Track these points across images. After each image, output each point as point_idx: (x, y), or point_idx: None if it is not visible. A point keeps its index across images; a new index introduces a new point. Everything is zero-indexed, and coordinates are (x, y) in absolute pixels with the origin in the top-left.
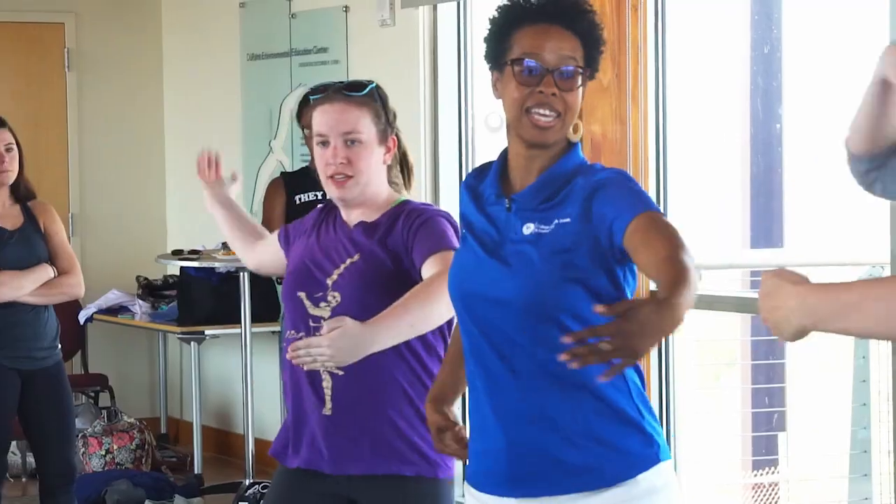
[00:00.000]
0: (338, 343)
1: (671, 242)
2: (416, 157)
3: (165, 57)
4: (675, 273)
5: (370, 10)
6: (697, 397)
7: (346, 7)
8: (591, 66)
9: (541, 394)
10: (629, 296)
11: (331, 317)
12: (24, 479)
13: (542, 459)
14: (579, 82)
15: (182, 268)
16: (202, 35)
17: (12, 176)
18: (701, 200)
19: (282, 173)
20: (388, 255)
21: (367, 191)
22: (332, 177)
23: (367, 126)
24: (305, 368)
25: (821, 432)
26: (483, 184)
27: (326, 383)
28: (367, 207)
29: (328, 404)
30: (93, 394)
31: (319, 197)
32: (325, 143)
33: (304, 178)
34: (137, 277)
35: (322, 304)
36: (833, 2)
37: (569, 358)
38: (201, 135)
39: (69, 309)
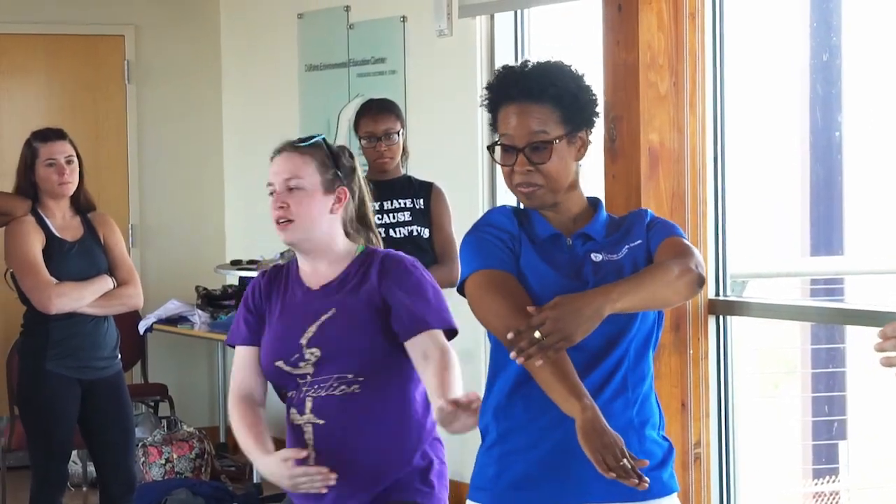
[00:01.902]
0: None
1: (675, 251)
2: (473, 167)
3: (224, 68)
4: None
5: (428, 20)
6: (757, 406)
7: (403, 17)
8: (574, 124)
9: None
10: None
11: (314, 371)
12: (84, 489)
13: None
14: (551, 153)
15: (241, 277)
16: (261, 46)
17: (72, 188)
18: (760, 209)
19: None
20: (363, 303)
21: (314, 237)
22: (276, 222)
23: (309, 173)
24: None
25: (882, 440)
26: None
27: (308, 434)
28: (326, 258)
29: (312, 454)
30: (153, 403)
31: (376, 208)
32: (272, 193)
33: None
34: (196, 287)
35: (301, 364)
36: (893, 9)
37: (515, 356)
38: (260, 145)
39: (129, 319)
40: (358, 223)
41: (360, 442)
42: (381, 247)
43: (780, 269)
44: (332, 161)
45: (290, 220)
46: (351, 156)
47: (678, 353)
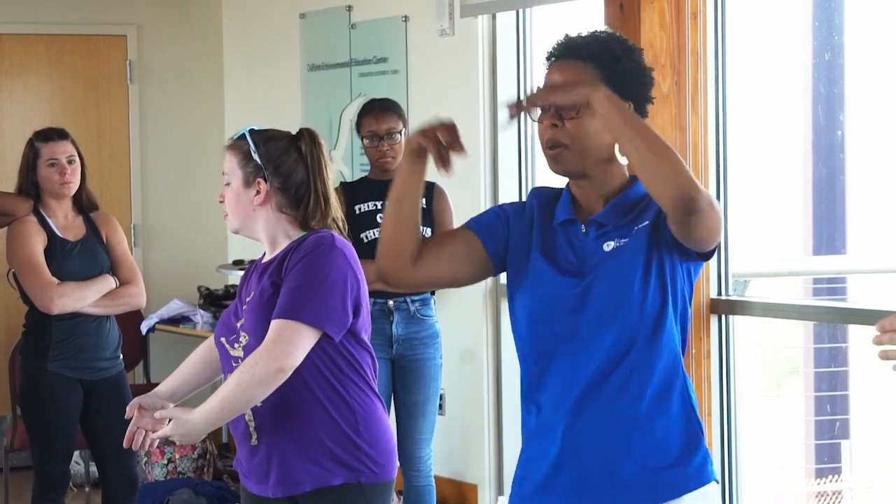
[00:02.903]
0: (174, 431)
1: None
2: (476, 165)
3: (227, 68)
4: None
5: (429, 19)
6: (759, 405)
7: (405, 17)
8: (616, 89)
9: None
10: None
11: (244, 356)
12: (87, 489)
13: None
14: (580, 109)
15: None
16: (263, 46)
17: (74, 187)
18: (762, 208)
19: (341, 183)
20: (269, 288)
21: (250, 228)
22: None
23: (232, 169)
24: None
25: (884, 439)
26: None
27: (249, 416)
28: (271, 247)
29: (254, 435)
30: None
31: (379, 206)
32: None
33: (363, 188)
34: (199, 287)
35: (236, 346)
36: (895, 8)
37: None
38: None
39: (131, 319)
40: (303, 209)
41: (288, 422)
42: (340, 234)
43: (783, 269)
44: (257, 153)
45: (226, 214)
46: (290, 141)
47: None
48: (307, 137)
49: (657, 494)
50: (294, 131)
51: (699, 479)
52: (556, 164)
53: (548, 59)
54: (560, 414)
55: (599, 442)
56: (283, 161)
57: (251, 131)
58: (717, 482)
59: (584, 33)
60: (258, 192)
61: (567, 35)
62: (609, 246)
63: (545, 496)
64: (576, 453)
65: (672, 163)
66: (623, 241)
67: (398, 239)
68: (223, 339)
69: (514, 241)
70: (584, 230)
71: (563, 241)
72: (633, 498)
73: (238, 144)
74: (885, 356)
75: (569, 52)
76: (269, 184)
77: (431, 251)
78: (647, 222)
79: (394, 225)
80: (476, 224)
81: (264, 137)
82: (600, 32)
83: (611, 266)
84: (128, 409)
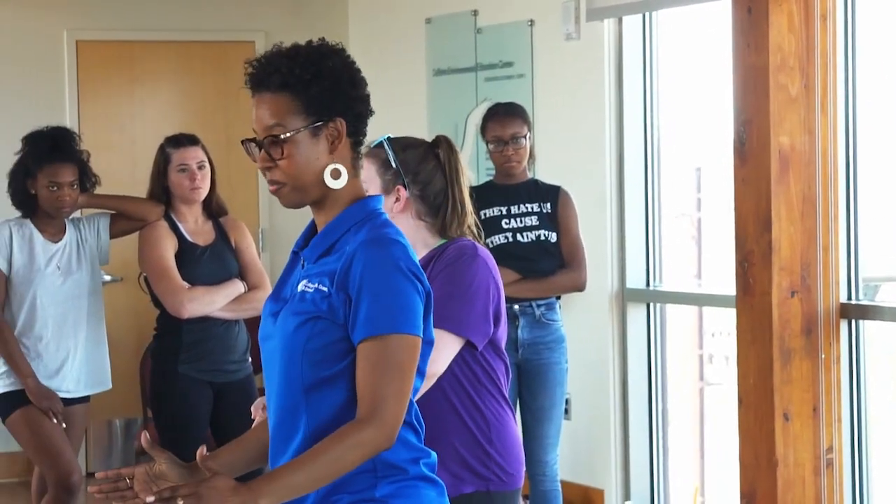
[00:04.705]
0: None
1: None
2: (601, 171)
3: None
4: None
5: (555, 23)
6: (891, 410)
7: (531, 21)
8: (316, 114)
9: None
10: None
11: None
12: None
13: None
14: (287, 147)
15: None
16: (389, 51)
17: (204, 193)
18: (893, 211)
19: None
20: None
21: None
22: None
23: (370, 177)
24: None
25: None
26: (296, 243)
27: None
28: None
29: None
30: None
31: (504, 212)
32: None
33: (489, 193)
34: None
35: None
36: None
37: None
38: None
39: (259, 323)
40: (441, 217)
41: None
42: (476, 240)
43: None
44: (396, 161)
45: None
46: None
47: (809, 357)
48: (445, 145)
49: None
50: (422, 137)
51: None
52: (282, 200)
53: (251, 89)
54: None
55: None
56: (421, 169)
57: (389, 139)
58: None
59: (270, 54)
60: (397, 200)
61: (254, 62)
62: (301, 287)
63: None
64: None
65: (343, 463)
66: (310, 287)
67: None
68: None
69: None
70: (302, 262)
71: (292, 271)
72: None
73: (376, 152)
74: None
75: (259, 84)
76: (409, 191)
77: None
78: (320, 286)
79: None
80: None
81: (402, 145)
82: (287, 49)
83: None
84: (252, 409)
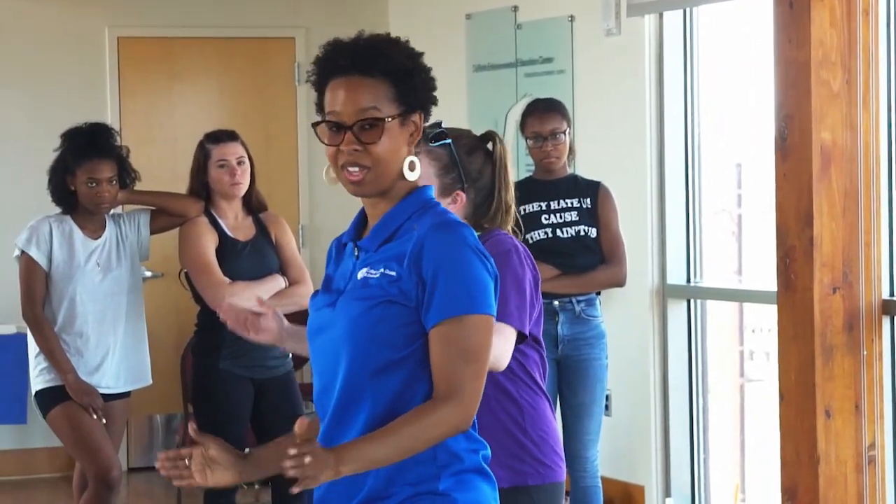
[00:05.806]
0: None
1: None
2: (641, 167)
3: None
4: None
5: (595, 19)
6: None
7: (571, 17)
8: (408, 105)
9: None
10: None
11: None
12: (256, 487)
13: None
14: (382, 132)
15: None
16: (429, 46)
17: (244, 188)
18: None
19: None
20: None
21: None
22: None
23: (428, 176)
24: None
25: None
26: (345, 235)
27: None
28: None
29: None
30: None
31: (543, 207)
32: None
33: (529, 188)
34: None
35: None
36: None
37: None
38: None
39: (300, 319)
40: (482, 213)
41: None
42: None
43: None
44: (460, 166)
45: None
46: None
47: (851, 354)
48: (499, 146)
49: None
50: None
51: None
52: (359, 188)
53: (326, 72)
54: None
55: None
56: (479, 177)
57: (450, 140)
58: None
59: (362, 41)
60: (454, 203)
61: (342, 42)
62: (360, 275)
63: None
64: None
65: (420, 441)
66: (372, 273)
67: None
68: None
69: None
70: (356, 252)
71: (344, 263)
72: None
73: (437, 153)
74: None
75: (357, 67)
76: (467, 195)
77: None
78: (394, 273)
79: None
80: None
81: (466, 148)
82: (381, 41)
83: (347, 302)
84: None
